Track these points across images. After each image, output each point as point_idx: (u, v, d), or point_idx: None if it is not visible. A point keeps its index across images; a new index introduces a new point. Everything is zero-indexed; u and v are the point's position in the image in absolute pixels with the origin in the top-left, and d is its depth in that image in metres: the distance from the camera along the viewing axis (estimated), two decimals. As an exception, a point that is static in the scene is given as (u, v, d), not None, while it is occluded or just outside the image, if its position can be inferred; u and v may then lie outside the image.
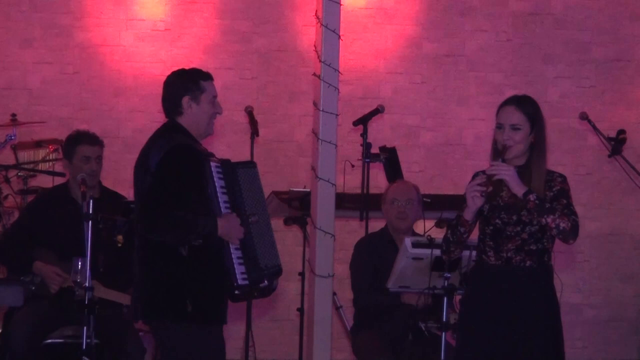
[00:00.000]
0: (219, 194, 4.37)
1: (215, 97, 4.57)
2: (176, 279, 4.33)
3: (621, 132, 6.73)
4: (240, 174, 4.48)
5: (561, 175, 4.42)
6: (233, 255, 4.35)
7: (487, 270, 4.42)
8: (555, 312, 4.44)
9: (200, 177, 4.35)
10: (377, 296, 5.71)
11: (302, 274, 6.50)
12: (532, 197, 4.26)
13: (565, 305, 7.83)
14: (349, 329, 6.21)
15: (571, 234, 4.28)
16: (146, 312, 4.45)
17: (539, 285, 4.39)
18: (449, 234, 4.46)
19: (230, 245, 4.36)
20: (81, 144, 5.68)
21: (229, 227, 4.34)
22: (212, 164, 4.38)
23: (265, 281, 4.49)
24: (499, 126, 4.39)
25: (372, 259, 5.83)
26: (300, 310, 6.50)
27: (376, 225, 6.24)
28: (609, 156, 6.78)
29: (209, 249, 4.34)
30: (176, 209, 4.27)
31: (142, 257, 4.44)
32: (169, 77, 4.60)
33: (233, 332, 7.30)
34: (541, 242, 4.37)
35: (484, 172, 4.43)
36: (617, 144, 6.69)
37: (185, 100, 4.49)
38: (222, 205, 4.37)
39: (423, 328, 5.51)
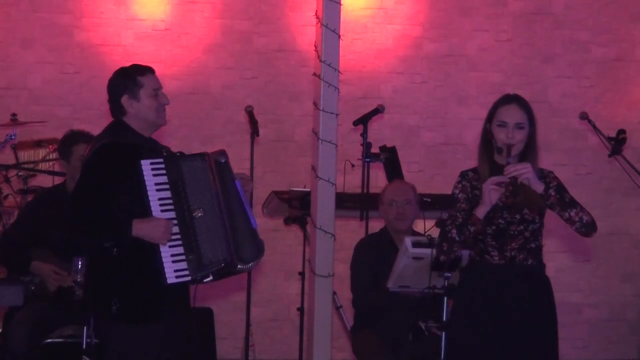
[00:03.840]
0: (150, 192, 4.25)
1: (157, 89, 4.43)
2: (105, 278, 4.30)
3: (621, 132, 6.73)
4: (184, 169, 4.35)
5: (551, 172, 4.45)
6: (163, 254, 4.23)
7: (489, 269, 4.42)
8: (554, 310, 4.47)
9: (129, 176, 4.24)
10: (376, 296, 5.71)
11: (302, 274, 6.50)
12: (552, 192, 4.29)
13: (565, 305, 7.87)
14: (349, 329, 6.21)
15: (593, 226, 4.37)
16: (87, 310, 4.51)
17: (540, 283, 4.43)
18: (454, 233, 4.34)
19: (161, 245, 4.25)
20: (78, 143, 5.66)
21: (149, 228, 4.21)
22: (146, 161, 4.26)
23: (211, 276, 4.35)
24: (502, 124, 4.34)
25: (372, 259, 5.82)
26: (300, 310, 6.51)
27: (376, 225, 6.24)
28: (609, 156, 6.78)
29: (139, 248, 4.23)
30: (95, 209, 4.19)
31: (87, 257, 4.47)
32: (110, 77, 4.49)
33: (233, 332, 7.31)
34: (538, 239, 4.42)
35: (473, 170, 4.42)
36: (617, 144, 6.68)
37: (125, 99, 4.38)
38: (153, 203, 4.25)
39: (423, 328, 5.51)
